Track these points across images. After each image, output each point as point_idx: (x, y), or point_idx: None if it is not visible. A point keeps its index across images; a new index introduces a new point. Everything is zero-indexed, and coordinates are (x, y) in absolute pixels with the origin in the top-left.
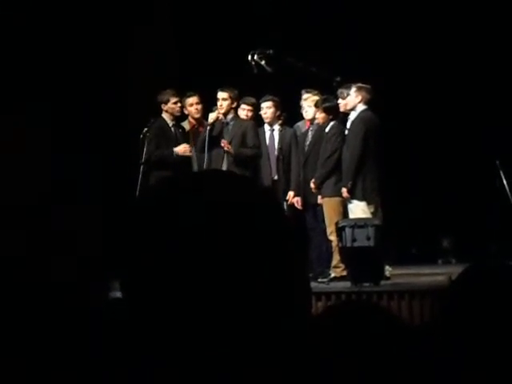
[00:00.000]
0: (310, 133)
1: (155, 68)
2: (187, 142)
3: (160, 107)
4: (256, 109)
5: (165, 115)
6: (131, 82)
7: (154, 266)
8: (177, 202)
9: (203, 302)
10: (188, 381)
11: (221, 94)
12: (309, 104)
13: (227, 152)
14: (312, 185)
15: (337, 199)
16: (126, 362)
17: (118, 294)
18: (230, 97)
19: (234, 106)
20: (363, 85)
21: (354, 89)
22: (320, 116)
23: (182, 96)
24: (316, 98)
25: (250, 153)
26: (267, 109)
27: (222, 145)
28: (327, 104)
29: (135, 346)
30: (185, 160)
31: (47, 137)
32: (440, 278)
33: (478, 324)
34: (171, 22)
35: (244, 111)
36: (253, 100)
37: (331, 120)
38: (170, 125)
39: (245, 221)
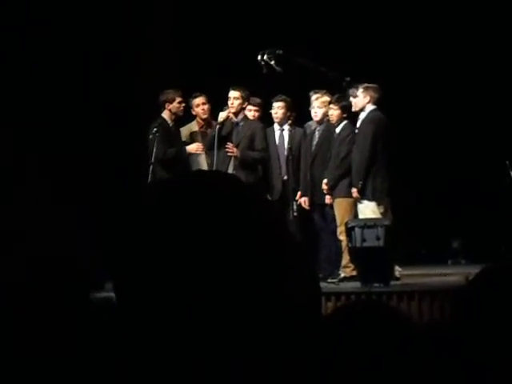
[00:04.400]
0: (316, 133)
1: (161, 68)
2: (183, 143)
3: (163, 106)
4: (262, 109)
5: (165, 115)
6: (137, 83)
7: (150, 268)
8: (167, 205)
9: (199, 301)
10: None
11: (232, 93)
12: (319, 105)
13: (234, 156)
14: (324, 186)
15: (350, 200)
16: (117, 361)
17: (107, 294)
18: (242, 96)
19: (245, 106)
20: (370, 84)
21: (361, 89)
22: (335, 113)
23: (188, 96)
24: (326, 98)
25: (257, 156)
26: (278, 109)
27: (228, 148)
28: (344, 103)
29: (128, 346)
30: (194, 160)
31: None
32: (450, 278)
33: (496, 325)
34: (178, 21)
35: (251, 112)
36: (258, 100)
37: (344, 119)
38: (170, 125)
39: (228, 218)
